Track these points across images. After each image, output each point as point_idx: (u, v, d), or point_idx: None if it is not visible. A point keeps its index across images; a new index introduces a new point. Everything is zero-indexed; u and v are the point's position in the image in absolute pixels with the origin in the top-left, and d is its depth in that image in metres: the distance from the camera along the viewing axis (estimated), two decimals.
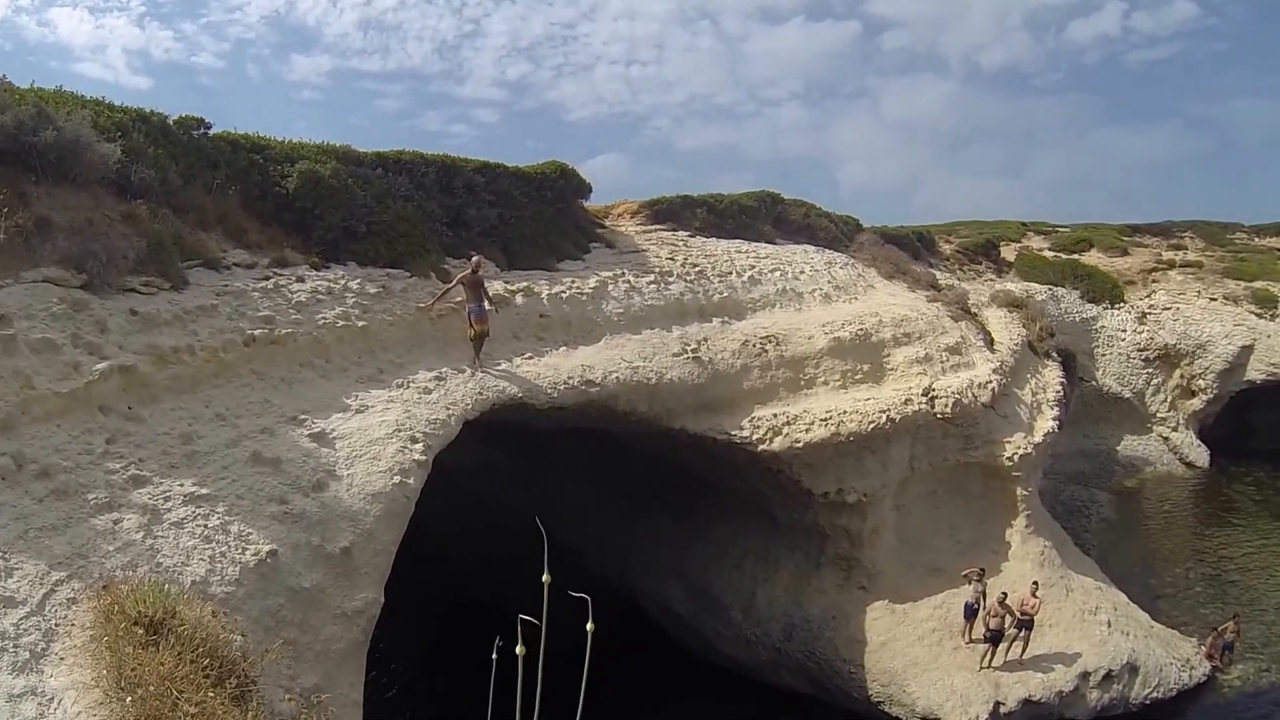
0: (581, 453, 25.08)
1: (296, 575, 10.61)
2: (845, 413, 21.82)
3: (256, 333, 13.74)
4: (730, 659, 23.64)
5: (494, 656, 3.49)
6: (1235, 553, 31.25)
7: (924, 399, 23.06)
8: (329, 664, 10.68)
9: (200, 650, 7.13)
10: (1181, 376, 40.64)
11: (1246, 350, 40.11)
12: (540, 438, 24.25)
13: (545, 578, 3.43)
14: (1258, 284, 43.20)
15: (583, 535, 26.19)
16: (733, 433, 20.83)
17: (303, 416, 12.91)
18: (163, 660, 6.75)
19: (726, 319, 23.14)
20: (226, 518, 10.35)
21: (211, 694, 6.64)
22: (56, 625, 7.66)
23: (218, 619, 8.17)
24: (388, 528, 12.29)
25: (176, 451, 10.89)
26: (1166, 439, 39.77)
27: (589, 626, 3.49)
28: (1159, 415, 40.30)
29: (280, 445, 12.06)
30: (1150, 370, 40.59)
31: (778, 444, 20.94)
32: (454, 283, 17.16)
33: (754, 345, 22.32)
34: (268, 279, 15.34)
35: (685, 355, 20.82)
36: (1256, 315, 41.12)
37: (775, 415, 21.36)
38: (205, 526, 10.03)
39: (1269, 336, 39.86)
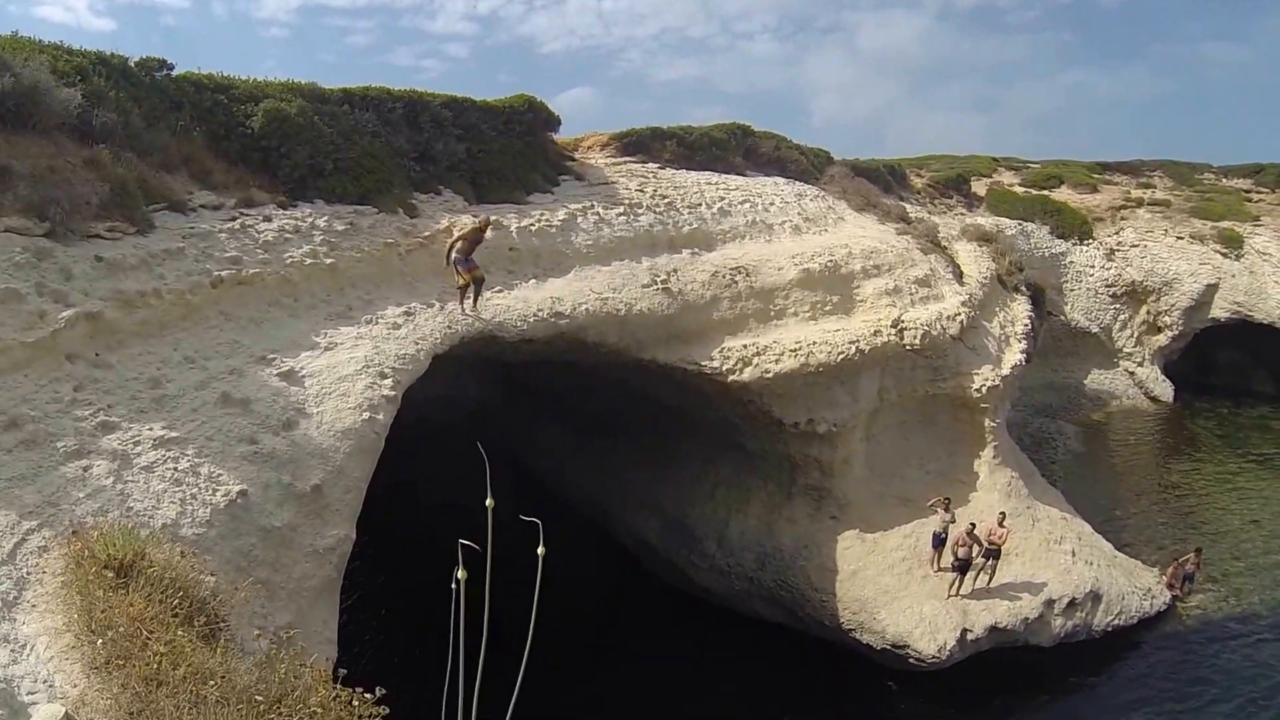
0: (557, 388, 25.17)
1: (268, 515, 10.60)
2: (814, 343, 21.91)
3: (224, 274, 13.58)
4: (705, 589, 24.01)
5: (454, 585, 3.59)
6: (1197, 486, 31.90)
7: (893, 330, 23.18)
8: (302, 602, 10.71)
9: (170, 590, 7.15)
10: (1148, 313, 41.05)
11: (1212, 289, 40.68)
12: (516, 374, 24.27)
13: (489, 502, 3.52)
14: (1224, 224, 43.46)
15: (559, 469, 26.51)
16: (703, 363, 20.87)
17: (271, 356, 12.84)
18: (132, 602, 6.76)
19: (696, 250, 23.03)
20: (196, 460, 10.30)
21: (180, 632, 6.66)
22: (28, 574, 7.65)
23: (187, 559, 8.14)
24: (358, 464, 12.26)
25: (145, 396, 10.82)
26: (1132, 374, 40.31)
27: (540, 550, 3.51)
28: (1125, 350, 40.78)
29: (249, 385, 11.99)
30: (1117, 306, 40.99)
31: (747, 374, 21.03)
32: (456, 237, 16.86)
33: (724, 276, 22.25)
34: (234, 219, 15.16)
35: (655, 286, 20.72)
36: (1222, 255, 41.54)
37: (745, 346, 21.40)
38: (175, 469, 9.97)
39: (1234, 276, 40.44)
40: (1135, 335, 40.91)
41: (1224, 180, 52.71)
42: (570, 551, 24.69)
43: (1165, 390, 39.53)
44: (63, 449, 9.32)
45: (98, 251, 12.16)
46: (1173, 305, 40.68)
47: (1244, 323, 40.79)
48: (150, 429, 10.29)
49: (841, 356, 21.99)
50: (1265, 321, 39.71)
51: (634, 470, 25.46)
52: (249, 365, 12.47)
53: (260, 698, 5.77)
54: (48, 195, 11.78)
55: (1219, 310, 41.02)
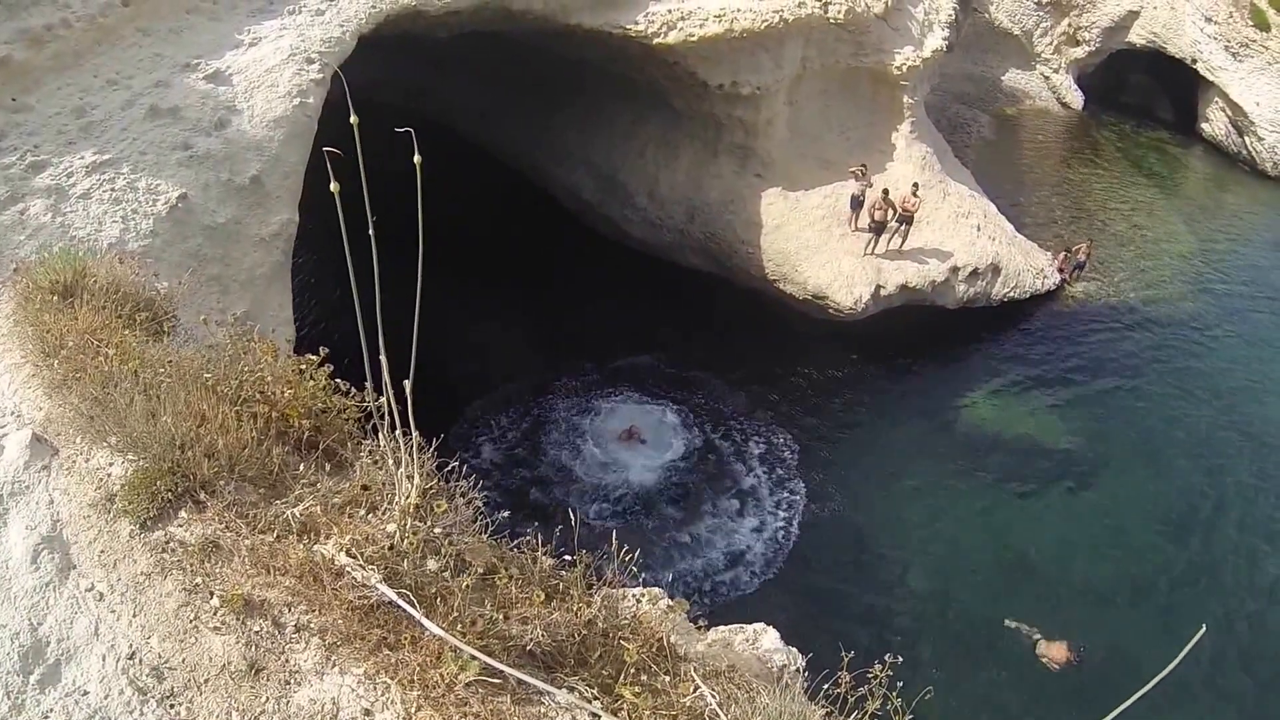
0: (488, 60, 25.02)
1: (211, 213, 11.13)
2: (739, 10, 21.81)
3: None
4: (640, 241, 25.42)
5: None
6: (1095, 188, 33.55)
7: (817, 4, 23.10)
8: (256, 290, 11.40)
9: (115, 298, 7.32)
10: (1069, 25, 41.23)
11: (1133, 15, 40.97)
12: (444, 49, 24.02)
13: (353, 119, 3.97)
14: None
15: (495, 135, 27.13)
16: (628, 27, 20.83)
17: (195, 62, 12.99)
18: (79, 317, 6.92)
19: None
20: (132, 176, 10.70)
21: (127, 333, 6.88)
22: None
23: (126, 265, 8.27)
24: (293, 149, 12.74)
25: (71, 127, 11.06)
26: (1048, 79, 40.92)
27: (416, 160, 3.99)
28: (1044, 56, 41.21)
29: (176, 94, 12.25)
30: (1041, 13, 41.08)
31: (672, 37, 21.08)
32: None
33: None
34: None
35: None
36: None
37: (670, 11, 21.27)
38: (113, 189, 10.37)
39: (1155, 9, 40.72)
40: (1055, 44, 41.23)
41: None
42: (512, 210, 25.04)
43: (1076, 99, 40.30)
44: None
45: None
46: (1093, 23, 40.91)
47: (1157, 53, 41.32)
48: (81, 158, 10.61)
49: (765, 24, 21.99)
50: (1177, 55, 40.30)
51: (567, 131, 25.98)
52: (174, 75, 12.67)
53: (209, 375, 6.01)
54: None
55: (1136, 36, 41.40)
